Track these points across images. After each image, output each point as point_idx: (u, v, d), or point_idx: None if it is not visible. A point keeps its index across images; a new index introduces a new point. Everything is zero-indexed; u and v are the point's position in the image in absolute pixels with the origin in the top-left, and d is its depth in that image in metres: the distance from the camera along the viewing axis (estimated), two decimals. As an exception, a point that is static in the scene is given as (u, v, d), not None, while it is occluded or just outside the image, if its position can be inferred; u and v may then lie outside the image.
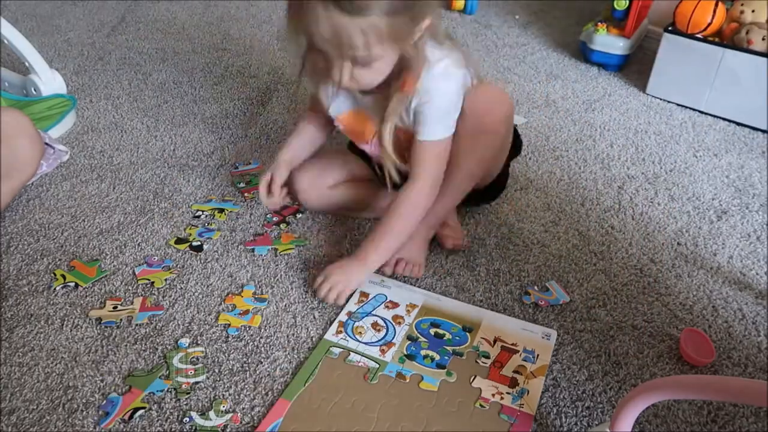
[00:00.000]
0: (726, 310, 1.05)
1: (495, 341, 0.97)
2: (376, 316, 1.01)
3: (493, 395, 0.88)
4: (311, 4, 0.83)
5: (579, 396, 0.90)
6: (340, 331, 0.97)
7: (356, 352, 0.94)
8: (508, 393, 0.89)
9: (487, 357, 0.94)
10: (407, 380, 0.90)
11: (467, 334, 0.98)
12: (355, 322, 0.99)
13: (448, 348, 0.95)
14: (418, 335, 0.97)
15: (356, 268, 1.03)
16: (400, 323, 0.99)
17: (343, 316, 1.00)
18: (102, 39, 1.94)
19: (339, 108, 1.07)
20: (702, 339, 0.97)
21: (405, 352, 0.94)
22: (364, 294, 1.04)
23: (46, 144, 1.31)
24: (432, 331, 0.98)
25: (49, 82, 1.50)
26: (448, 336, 0.97)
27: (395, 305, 1.02)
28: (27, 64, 1.48)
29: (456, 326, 0.99)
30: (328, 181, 1.18)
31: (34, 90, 1.50)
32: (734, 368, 0.95)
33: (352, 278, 1.02)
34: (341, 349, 0.94)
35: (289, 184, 1.14)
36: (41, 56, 1.50)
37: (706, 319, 1.03)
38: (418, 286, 1.07)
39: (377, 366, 0.92)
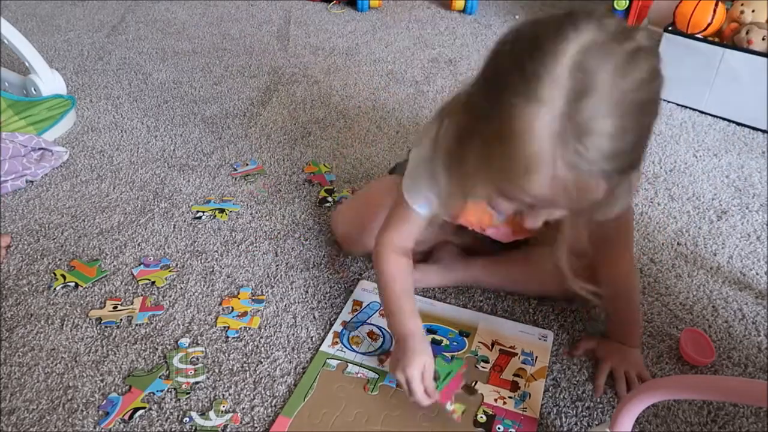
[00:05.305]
0: (726, 310, 1.05)
1: (493, 345, 0.96)
2: (371, 324, 0.99)
3: (496, 400, 0.88)
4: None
5: (579, 396, 0.90)
6: (336, 342, 0.95)
7: (354, 363, 0.92)
8: (510, 397, 0.88)
9: (487, 361, 0.93)
10: None
11: (464, 339, 0.97)
12: (350, 332, 0.97)
13: (446, 354, 0.93)
14: None
15: (635, 352, 0.95)
16: None
17: (338, 327, 0.98)
18: (102, 39, 1.94)
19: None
20: (702, 339, 0.97)
21: None
22: (357, 302, 1.03)
23: (43, 149, 1.31)
24: (429, 337, 0.95)
25: (49, 82, 1.50)
26: (445, 342, 0.96)
27: None
28: (27, 64, 1.48)
29: (453, 331, 0.98)
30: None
31: (34, 90, 1.50)
32: (734, 368, 0.95)
33: (639, 360, 0.94)
34: (338, 361, 0.92)
35: (331, 226, 1.15)
36: (41, 56, 1.50)
37: (706, 319, 1.03)
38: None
39: (377, 376, 0.90)
